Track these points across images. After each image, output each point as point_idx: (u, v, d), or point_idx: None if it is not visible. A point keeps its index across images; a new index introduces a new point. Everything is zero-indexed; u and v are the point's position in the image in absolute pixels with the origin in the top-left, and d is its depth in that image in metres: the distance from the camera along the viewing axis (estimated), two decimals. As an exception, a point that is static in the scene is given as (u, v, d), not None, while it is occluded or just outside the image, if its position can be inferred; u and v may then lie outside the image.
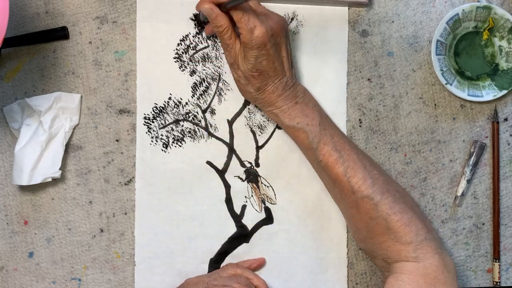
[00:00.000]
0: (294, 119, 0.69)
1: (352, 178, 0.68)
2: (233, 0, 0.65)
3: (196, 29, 0.75)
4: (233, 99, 0.75)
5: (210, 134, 0.75)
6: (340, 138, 0.70)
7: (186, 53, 0.75)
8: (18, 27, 0.75)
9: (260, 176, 0.76)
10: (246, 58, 0.67)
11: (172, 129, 0.75)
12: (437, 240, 0.68)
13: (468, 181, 0.75)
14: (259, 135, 0.76)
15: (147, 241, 0.75)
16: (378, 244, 0.68)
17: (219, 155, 0.75)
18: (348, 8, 0.75)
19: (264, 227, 0.76)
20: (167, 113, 0.75)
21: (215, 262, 0.75)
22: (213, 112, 0.75)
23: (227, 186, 0.76)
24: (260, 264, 0.75)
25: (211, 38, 0.75)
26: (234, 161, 0.76)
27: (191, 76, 0.75)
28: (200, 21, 0.75)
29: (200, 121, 0.75)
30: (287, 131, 0.72)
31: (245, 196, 0.76)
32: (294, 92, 0.70)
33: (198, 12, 0.74)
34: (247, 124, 0.75)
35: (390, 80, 0.76)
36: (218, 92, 0.75)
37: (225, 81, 0.75)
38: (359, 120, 0.75)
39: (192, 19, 0.75)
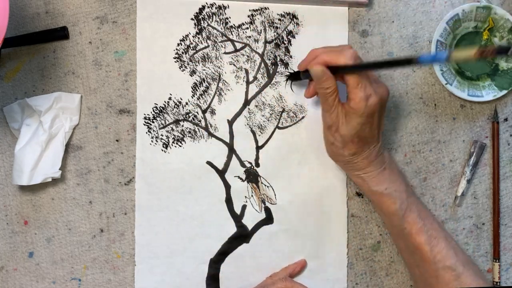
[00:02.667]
0: (382, 185, 0.69)
1: (435, 248, 0.67)
2: (361, 66, 0.63)
3: (196, 29, 0.75)
4: (233, 99, 0.75)
5: (210, 134, 0.75)
6: (422, 206, 0.70)
7: (186, 53, 0.75)
8: (18, 27, 0.75)
9: (260, 176, 0.76)
10: (349, 123, 0.65)
11: (172, 129, 0.75)
12: None
13: (468, 181, 0.75)
14: (259, 135, 0.76)
15: (147, 241, 0.75)
16: None
17: (219, 155, 0.75)
18: (348, 8, 0.75)
19: (264, 227, 0.76)
20: (167, 113, 0.75)
21: (215, 262, 0.75)
22: (213, 112, 0.75)
23: (227, 186, 0.76)
24: (302, 266, 0.75)
25: (211, 38, 0.75)
26: (234, 161, 0.76)
27: (191, 76, 0.75)
28: (295, 77, 0.73)
29: (200, 121, 0.75)
30: (371, 197, 0.71)
31: (245, 196, 0.76)
32: (383, 158, 0.69)
33: (295, 72, 0.73)
34: (247, 124, 0.76)
35: (390, 80, 0.76)
36: (218, 92, 0.75)
37: (225, 81, 0.75)
38: (359, 120, 0.75)
39: (192, 19, 0.75)
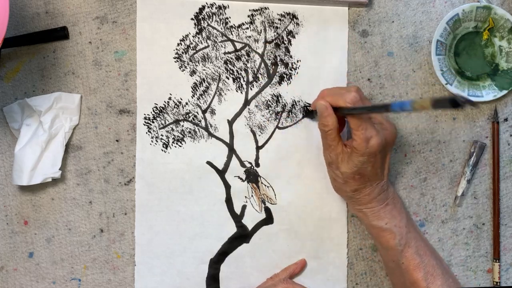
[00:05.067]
0: (383, 220, 0.69)
1: (431, 285, 0.67)
2: (355, 108, 0.64)
3: (196, 29, 0.75)
4: (233, 99, 0.75)
5: (210, 134, 0.75)
6: (422, 241, 0.70)
7: (186, 53, 0.75)
8: (18, 27, 0.75)
9: (260, 176, 0.76)
10: (351, 161, 0.66)
11: (172, 129, 0.75)
12: None
13: (468, 181, 0.75)
14: (259, 135, 0.76)
15: (147, 241, 0.75)
16: None
17: (219, 155, 0.75)
18: (348, 8, 0.75)
19: (264, 227, 0.76)
20: (167, 113, 0.75)
21: (215, 263, 0.75)
22: (213, 112, 0.75)
23: (227, 186, 0.76)
24: (303, 266, 0.75)
25: (211, 38, 0.75)
26: (234, 161, 0.76)
27: (191, 76, 0.75)
28: (310, 115, 0.75)
29: (200, 121, 0.75)
30: (371, 230, 0.71)
31: (245, 196, 0.76)
32: (387, 194, 0.70)
33: (310, 110, 0.75)
34: (247, 124, 0.75)
35: (390, 80, 0.76)
36: (218, 92, 0.75)
37: (225, 81, 0.75)
38: (359, 120, 0.75)
39: (192, 19, 0.75)
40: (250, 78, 0.75)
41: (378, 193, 0.69)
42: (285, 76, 0.75)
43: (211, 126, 0.75)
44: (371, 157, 0.66)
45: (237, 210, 0.76)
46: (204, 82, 0.75)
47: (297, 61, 0.75)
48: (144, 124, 0.75)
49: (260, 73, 0.75)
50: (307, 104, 0.75)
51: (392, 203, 0.70)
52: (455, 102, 0.50)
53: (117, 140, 0.75)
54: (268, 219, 0.76)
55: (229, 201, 0.76)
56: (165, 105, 0.75)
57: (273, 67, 0.75)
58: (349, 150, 0.66)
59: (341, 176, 0.68)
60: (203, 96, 0.75)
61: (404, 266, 0.69)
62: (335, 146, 0.67)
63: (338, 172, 0.68)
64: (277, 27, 0.75)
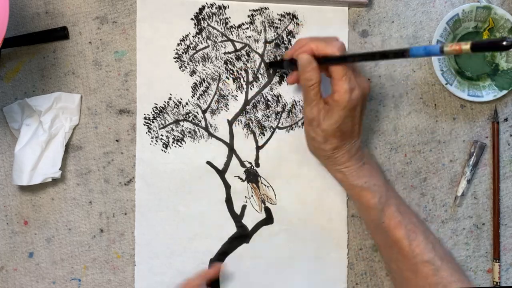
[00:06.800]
0: (362, 179, 0.69)
1: (414, 241, 0.67)
2: (349, 56, 0.63)
3: (196, 29, 0.75)
4: (233, 99, 0.75)
5: (210, 134, 0.75)
6: (401, 200, 0.71)
7: (186, 53, 0.75)
8: (18, 27, 0.75)
9: (260, 176, 0.76)
10: (332, 117, 0.65)
11: (172, 129, 0.75)
12: None
13: (468, 181, 0.75)
14: (259, 135, 0.76)
15: (147, 241, 0.75)
16: None
17: (219, 155, 0.75)
18: (348, 8, 0.75)
19: (264, 227, 0.76)
20: (167, 113, 0.75)
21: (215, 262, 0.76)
22: (213, 112, 0.75)
23: (227, 186, 0.76)
24: (218, 271, 0.74)
25: (211, 38, 0.75)
26: (234, 161, 0.76)
27: (191, 76, 0.75)
28: (276, 67, 0.73)
29: (200, 121, 0.75)
30: (351, 191, 0.71)
31: (245, 196, 0.76)
32: (362, 153, 0.70)
33: (280, 60, 0.73)
34: (247, 124, 0.75)
35: (390, 80, 0.76)
36: (218, 92, 0.75)
37: (225, 81, 0.75)
38: (359, 120, 0.75)
39: (192, 19, 0.75)
40: (250, 78, 0.75)
41: (355, 151, 0.68)
42: (285, 76, 0.75)
43: (211, 126, 0.75)
44: (352, 111, 0.65)
45: (237, 210, 0.76)
46: (204, 82, 0.75)
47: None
48: (144, 124, 0.75)
49: (260, 73, 0.75)
50: (272, 59, 0.74)
51: (369, 163, 0.70)
52: (500, 45, 0.45)
53: (117, 140, 0.75)
54: (268, 219, 0.76)
55: (229, 201, 0.76)
56: (165, 105, 0.75)
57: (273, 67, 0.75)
58: (330, 106, 0.65)
59: (321, 134, 0.67)
60: (203, 96, 0.75)
61: (385, 225, 0.68)
62: (317, 101, 0.66)
63: (318, 129, 0.67)
64: (277, 27, 0.75)
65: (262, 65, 0.75)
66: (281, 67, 0.73)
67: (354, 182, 0.69)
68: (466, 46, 0.48)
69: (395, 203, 0.69)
